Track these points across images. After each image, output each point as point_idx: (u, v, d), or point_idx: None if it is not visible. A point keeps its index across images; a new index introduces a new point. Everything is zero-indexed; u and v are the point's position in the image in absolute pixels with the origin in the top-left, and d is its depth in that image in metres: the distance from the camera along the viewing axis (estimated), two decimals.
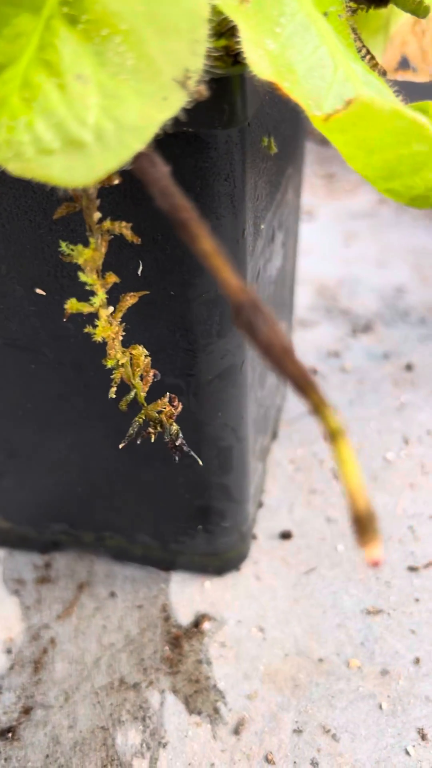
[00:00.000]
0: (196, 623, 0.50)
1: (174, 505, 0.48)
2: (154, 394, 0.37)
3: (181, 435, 0.37)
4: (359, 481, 0.21)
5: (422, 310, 0.78)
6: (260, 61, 0.25)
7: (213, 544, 0.50)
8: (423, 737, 0.43)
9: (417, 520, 0.56)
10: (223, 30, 0.27)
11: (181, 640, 0.49)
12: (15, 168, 0.24)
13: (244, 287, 0.22)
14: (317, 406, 0.21)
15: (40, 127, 0.24)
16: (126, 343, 0.36)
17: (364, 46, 0.31)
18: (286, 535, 0.55)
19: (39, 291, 0.37)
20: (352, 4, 0.35)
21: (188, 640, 0.49)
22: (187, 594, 0.52)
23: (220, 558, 0.52)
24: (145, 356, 0.35)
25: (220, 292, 0.35)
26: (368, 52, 0.31)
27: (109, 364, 0.33)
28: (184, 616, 0.51)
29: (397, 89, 0.30)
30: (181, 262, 0.35)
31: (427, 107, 0.29)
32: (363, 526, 0.21)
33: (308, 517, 0.57)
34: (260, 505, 0.57)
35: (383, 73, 0.32)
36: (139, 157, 0.23)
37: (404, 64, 0.51)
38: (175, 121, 0.24)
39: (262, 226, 0.40)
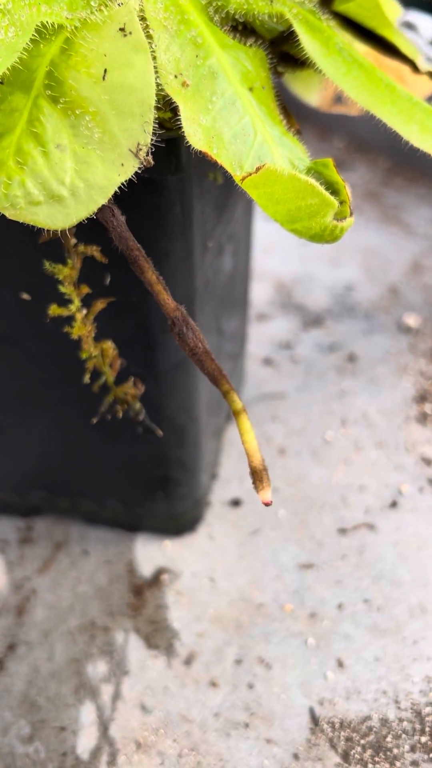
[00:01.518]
0: (156, 575, 0.59)
1: (138, 475, 0.57)
2: (120, 381, 0.46)
3: (144, 411, 0.45)
4: (255, 445, 0.30)
5: (367, 306, 0.87)
6: (195, 133, 0.33)
7: (172, 508, 0.59)
8: (340, 665, 0.53)
9: (349, 490, 0.65)
10: (169, 105, 0.35)
11: (143, 589, 0.58)
12: (11, 215, 0.32)
13: (177, 306, 0.30)
14: (226, 393, 0.30)
15: (30, 185, 0.32)
16: (97, 339, 0.44)
17: (282, 111, 0.40)
18: (236, 503, 0.64)
19: (25, 296, 0.45)
20: (279, 67, 0.44)
21: (149, 589, 0.58)
22: (150, 551, 0.61)
23: (178, 521, 0.60)
24: (114, 349, 0.43)
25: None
26: (286, 116, 0.40)
27: (84, 355, 0.42)
28: (146, 570, 0.60)
29: (307, 146, 0.39)
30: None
31: (328, 162, 0.38)
32: (258, 476, 0.30)
33: None
34: (215, 476, 0.66)
35: (298, 132, 0.40)
36: (103, 209, 0.32)
37: (338, 99, 0.60)
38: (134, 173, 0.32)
39: (210, 244, 0.48)
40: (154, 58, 0.34)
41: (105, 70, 0.32)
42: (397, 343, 0.81)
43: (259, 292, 0.90)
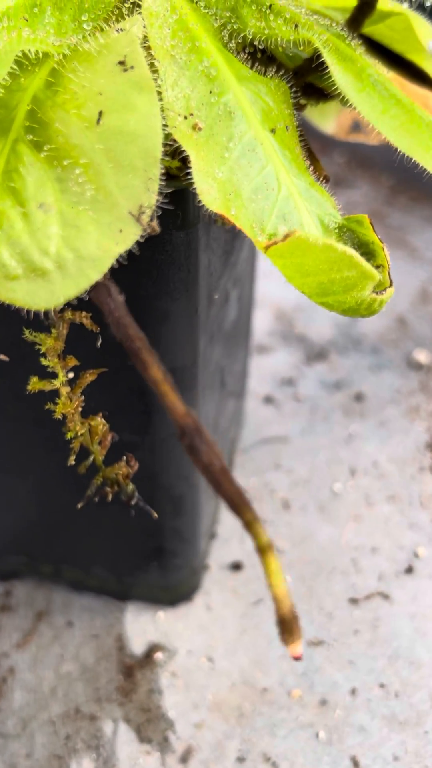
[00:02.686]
0: (149, 653, 0.53)
1: (128, 545, 0.50)
2: (111, 451, 0.40)
3: (137, 494, 0.39)
4: (284, 590, 0.24)
5: (374, 338, 0.82)
6: (209, 190, 0.27)
7: (166, 578, 0.53)
8: (355, 764, 0.47)
9: (359, 552, 0.59)
10: (178, 152, 0.29)
11: (134, 670, 0.52)
12: None
13: (187, 412, 0.24)
14: (250, 524, 0.24)
15: (5, 255, 0.26)
16: (84, 405, 0.38)
17: (307, 154, 0.34)
18: (236, 566, 0.58)
19: (2, 357, 0.39)
20: (302, 100, 0.38)
21: (141, 670, 0.52)
22: (141, 624, 0.55)
23: (173, 591, 0.54)
24: (104, 424, 0.37)
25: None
26: (311, 159, 0.34)
27: (69, 436, 0.36)
28: (137, 646, 0.54)
29: (337, 199, 0.33)
30: None
31: (362, 219, 0.32)
32: (287, 627, 0.24)
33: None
34: (213, 536, 0.60)
35: (325, 179, 0.34)
36: (97, 286, 0.26)
37: (356, 127, 0.54)
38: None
39: (216, 296, 0.42)
40: (160, 94, 0.28)
41: (100, 113, 0.26)
42: (407, 382, 0.75)
43: (259, 321, 0.84)
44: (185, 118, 0.28)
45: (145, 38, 0.29)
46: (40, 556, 0.54)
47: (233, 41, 0.33)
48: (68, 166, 0.26)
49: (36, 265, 0.25)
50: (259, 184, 0.29)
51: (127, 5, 0.31)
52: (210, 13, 0.33)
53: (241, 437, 0.70)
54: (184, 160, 0.29)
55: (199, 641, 0.54)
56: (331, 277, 0.28)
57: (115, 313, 0.25)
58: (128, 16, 0.31)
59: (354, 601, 0.56)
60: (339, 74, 0.33)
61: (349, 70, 0.33)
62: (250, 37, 0.33)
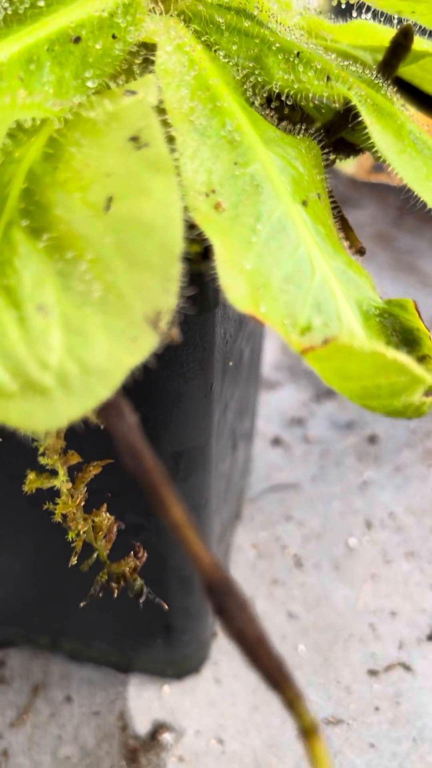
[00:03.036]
0: (154, 734, 0.49)
1: (132, 622, 0.47)
2: (116, 550, 0.36)
3: (146, 589, 0.36)
4: None
5: None
6: (236, 285, 0.23)
7: (172, 653, 0.49)
8: None
9: (378, 616, 0.56)
10: (198, 234, 0.25)
11: (139, 754, 0.48)
12: None
13: (216, 564, 0.20)
14: (292, 702, 0.20)
15: None
16: (88, 493, 0.34)
17: (340, 222, 0.30)
18: None
19: None
20: (332, 156, 0.34)
21: (146, 754, 0.48)
22: (145, 699, 0.51)
23: (180, 665, 0.50)
24: (108, 518, 0.33)
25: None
26: (344, 228, 0.30)
27: (71, 536, 0.32)
28: (141, 725, 0.50)
29: (372, 274, 0.29)
30: (146, 420, 0.33)
31: (406, 304, 0.28)
32: None
33: (270, 612, 0.56)
34: None
35: (361, 252, 0.30)
36: (105, 406, 0.22)
37: (378, 168, 0.50)
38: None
39: (231, 363, 0.38)
40: (177, 167, 0.24)
41: (109, 199, 0.22)
42: (422, 423, 0.72)
43: (265, 353, 0.80)
44: (206, 195, 0.24)
45: (160, 101, 0.25)
46: (36, 628, 0.50)
47: (258, 97, 0.29)
48: (72, 259, 0.22)
49: (34, 381, 0.21)
50: (291, 270, 0.25)
51: (137, 61, 0.27)
52: (231, 63, 0.29)
53: (249, 483, 0.66)
54: (204, 242, 0.25)
55: (208, 719, 0.50)
56: (377, 382, 0.24)
57: (127, 437, 0.21)
58: (138, 73, 0.27)
59: (373, 672, 0.52)
60: (378, 134, 0.29)
61: (388, 128, 0.30)
62: (277, 90, 0.29)
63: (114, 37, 0.26)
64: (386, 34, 0.36)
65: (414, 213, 1.03)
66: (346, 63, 0.32)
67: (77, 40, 0.27)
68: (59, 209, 0.23)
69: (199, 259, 0.26)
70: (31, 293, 0.22)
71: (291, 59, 0.29)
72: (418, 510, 0.63)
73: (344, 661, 0.53)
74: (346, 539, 0.61)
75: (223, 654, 0.53)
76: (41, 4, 0.27)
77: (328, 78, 0.29)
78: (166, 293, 0.22)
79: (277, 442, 0.70)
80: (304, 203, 0.27)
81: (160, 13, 0.30)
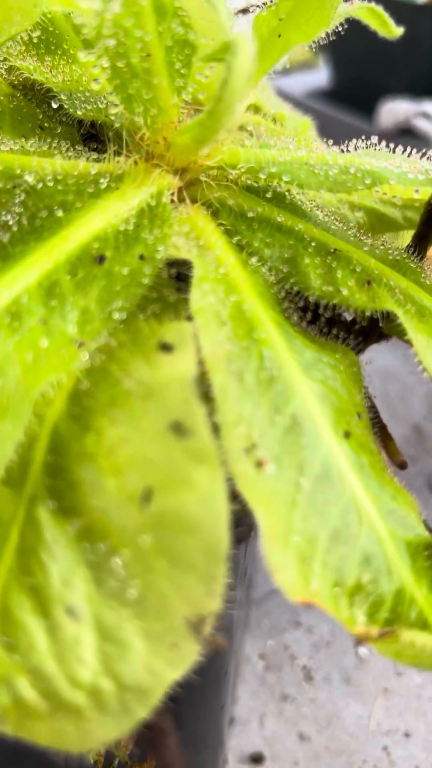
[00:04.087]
0: None
1: None
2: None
3: None
4: None
5: None
6: (283, 564, 0.21)
7: None
8: None
9: (392, 738, 0.54)
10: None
11: None
12: None
13: None
14: None
15: (23, 685, 0.20)
16: None
17: (382, 432, 0.28)
18: (257, 759, 0.53)
19: None
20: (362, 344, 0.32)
21: None
22: None
23: None
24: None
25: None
26: (385, 438, 0.28)
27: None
28: None
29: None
30: None
31: None
32: None
33: (280, 733, 0.54)
34: (231, 721, 0.55)
35: (402, 466, 0.28)
36: (144, 727, 0.20)
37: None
38: None
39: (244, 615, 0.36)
40: (215, 426, 0.22)
41: (149, 490, 0.20)
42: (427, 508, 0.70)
43: None
44: (247, 451, 0.22)
45: (201, 362, 0.22)
46: None
47: (292, 306, 0.27)
48: (105, 553, 0.20)
49: (65, 700, 0.19)
50: (338, 525, 0.23)
51: (170, 295, 0.24)
52: (264, 269, 0.27)
53: (255, 582, 0.64)
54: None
55: None
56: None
57: (164, 757, 0.19)
58: (170, 301, 0.24)
59: None
60: (422, 345, 0.27)
61: (426, 331, 0.28)
62: (313, 300, 0.27)
63: (141, 257, 0.24)
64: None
65: None
66: (377, 244, 0.30)
67: (101, 260, 0.24)
68: (90, 491, 0.21)
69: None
70: (60, 593, 0.20)
71: (328, 260, 0.27)
72: None
73: None
74: (357, 647, 0.59)
75: None
76: (59, 214, 0.25)
77: (369, 282, 0.27)
78: (210, 595, 0.20)
79: None
80: (347, 435, 0.25)
81: (182, 200, 0.28)
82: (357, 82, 1.19)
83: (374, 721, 0.55)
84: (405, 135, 1.07)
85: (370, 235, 0.32)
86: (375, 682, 0.57)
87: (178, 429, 0.20)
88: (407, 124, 1.06)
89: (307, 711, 0.56)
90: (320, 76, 1.33)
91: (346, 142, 0.31)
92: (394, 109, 1.07)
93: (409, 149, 0.30)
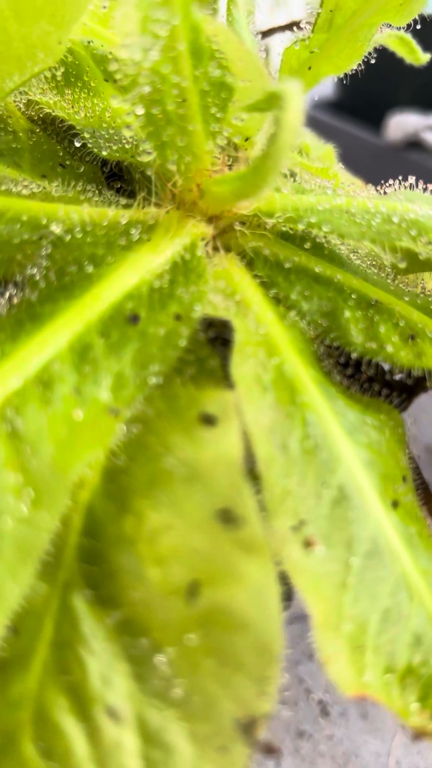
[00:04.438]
0: None
1: None
2: None
3: None
4: None
5: None
6: (335, 654, 0.20)
7: None
8: None
9: None
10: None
11: None
12: None
13: None
14: None
15: None
16: None
17: (426, 496, 0.27)
18: None
19: None
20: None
21: None
22: None
23: None
24: None
25: None
26: (429, 501, 0.27)
27: None
28: None
29: None
30: None
31: None
32: None
33: None
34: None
35: None
36: None
37: None
38: None
39: None
40: (261, 504, 0.21)
41: (195, 583, 0.19)
42: None
43: None
44: (295, 529, 0.21)
45: (244, 433, 0.21)
46: None
47: (332, 363, 0.26)
48: (148, 647, 0.19)
49: None
50: (388, 605, 0.22)
51: (205, 355, 0.23)
52: (302, 323, 0.26)
53: None
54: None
55: None
56: None
57: None
58: (208, 370, 0.23)
59: None
60: None
61: None
62: (355, 356, 0.26)
63: (178, 317, 0.23)
64: None
65: None
66: (417, 292, 0.29)
67: (134, 319, 0.23)
68: (131, 581, 0.19)
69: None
70: (99, 691, 0.19)
71: (369, 314, 0.26)
72: None
73: None
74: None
75: None
76: (90, 269, 0.24)
77: (412, 337, 0.26)
78: (262, 697, 0.18)
79: None
80: (395, 504, 0.24)
81: (215, 249, 0.27)
82: (364, 93, 1.18)
83: (393, 759, 0.54)
84: (413, 148, 1.06)
85: (407, 278, 0.30)
86: (393, 718, 0.56)
87: (227, 517, 0.19)
88: (416, 137, 1.05)
89: (324, 749, 0.54)
90: (327, 86, 1.32)
91: (383, 184, 0.29)
92: (403, 122, 1.06)
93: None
